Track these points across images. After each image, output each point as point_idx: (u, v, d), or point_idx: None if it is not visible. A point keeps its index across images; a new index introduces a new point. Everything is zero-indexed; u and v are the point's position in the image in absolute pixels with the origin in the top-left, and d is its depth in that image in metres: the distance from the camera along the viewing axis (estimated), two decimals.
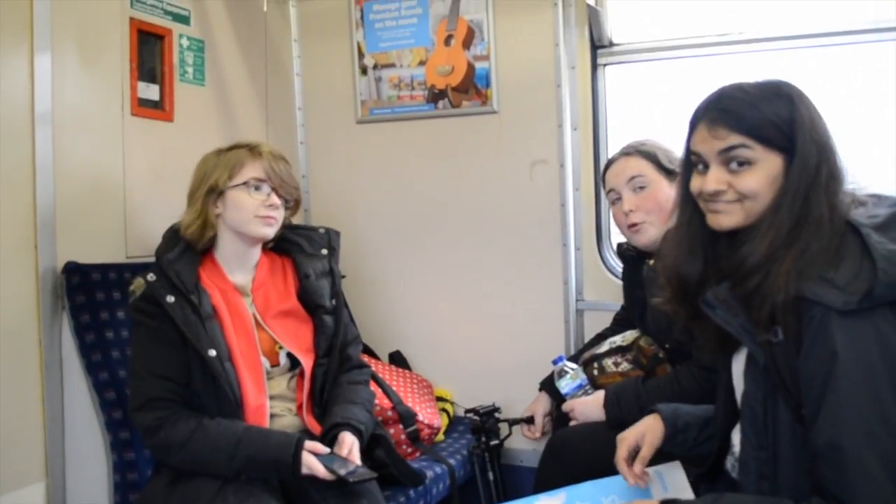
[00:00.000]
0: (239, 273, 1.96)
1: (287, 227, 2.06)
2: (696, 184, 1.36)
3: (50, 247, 2.04)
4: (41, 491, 2.01)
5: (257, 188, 1.90)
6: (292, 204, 2.01)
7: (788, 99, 1.29)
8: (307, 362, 1.95)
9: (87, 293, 2.07)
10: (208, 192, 1.90)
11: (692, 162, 1.37)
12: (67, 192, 2.10)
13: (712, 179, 1.31)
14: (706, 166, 1.33)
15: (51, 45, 2.05)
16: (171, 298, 1.78)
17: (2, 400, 1.93)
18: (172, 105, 2.47)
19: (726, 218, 1.32)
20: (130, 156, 2.32)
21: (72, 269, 2.06)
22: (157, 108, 2.43)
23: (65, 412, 2.06)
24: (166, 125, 2.45)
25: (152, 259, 1.90)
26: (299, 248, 2.06)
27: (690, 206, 1.41)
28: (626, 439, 1.59)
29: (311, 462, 1.73)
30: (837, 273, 1.18)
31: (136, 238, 2.31)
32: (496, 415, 2.52)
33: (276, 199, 1.92)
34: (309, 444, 1.76)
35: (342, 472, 1.72)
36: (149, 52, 2.41)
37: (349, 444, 1.83)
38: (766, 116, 1.28)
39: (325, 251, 2.09)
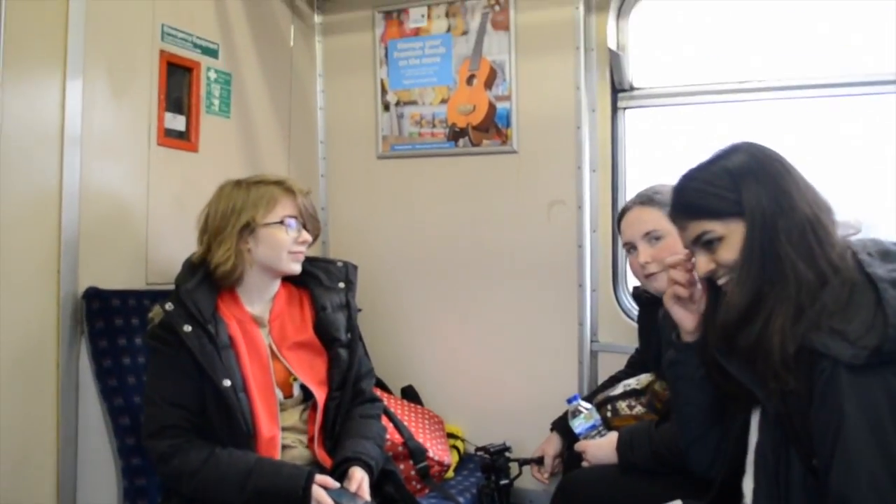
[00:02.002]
0: (257, 304, 1.97)
1: (305, 259, 2.07)
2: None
3: (72, 271, 2.07)
4: None
5: (291, 226, 1.93)
6: (315, 236, 2.03)
7: (734, 165, 1.36)
8: (320, 395, 1.95)
9: (106, 319, 2.09)
10: (242, 228, 1.90)
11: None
12: (92, 218, 2.13)
13: (701, 266, 1.41)
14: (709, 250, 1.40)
15: (82, 73, 2.10)
16: (188, 328, 1.79)
17: (18, 421, 1.94)
18: (198, 136, 2.51)
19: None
20: (155, 184, 2.35)
21: (92, 295, 2.08)
22: (183, 139, 2.47)
23: (78, 436, 2.06)
24: (191, 155, 2.49)
25: (172, 286, 1.91)
26: (317, 281, 2.06)
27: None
28: None
29: (321, 496, 1.73)
30: (850, 326, 1.19)
31: (156, 265, 2.33)
32: (507, 454, 2.50)
33: (307, 236, 1.95)
34: (319, 478, 1.76)
35: None
36: (176, 84, 2.45)
37: (359, 480, 1.83)
38: (709, 194, 1.37)
39: (342, 284, 2.09)
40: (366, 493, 1.80)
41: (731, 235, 1.34)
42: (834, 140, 2.45)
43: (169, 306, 1.82)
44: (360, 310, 2.15)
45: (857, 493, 1.15)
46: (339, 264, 2.13)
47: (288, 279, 2.07)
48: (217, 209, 1.94)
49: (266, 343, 1.94)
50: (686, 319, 1.54)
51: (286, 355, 1.95)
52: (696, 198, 1.39)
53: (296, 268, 1.95)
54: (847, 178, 2.38)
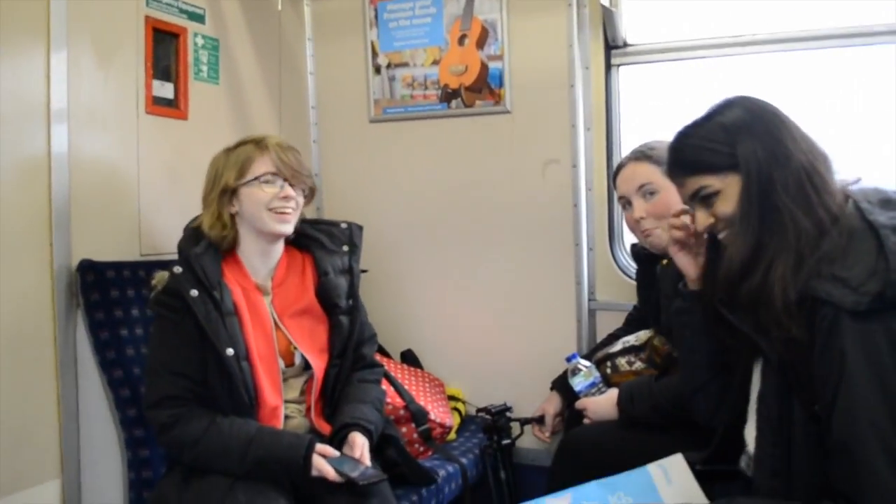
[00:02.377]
0: (260, 271, 1.95)
1: (308, 222, 2.05)
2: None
3: (65, 244, 2.05)
4: (56, 488, 2.02)
5: (269, 182, 1.88)
6: (307, 193, 1.98)
7: (729, 120, 1.37)
8: (319, 364, 1.95)
9: (101, 291, 2.08)
10: (221, 192, 1.89)
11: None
12: (82, 190, 2.11)
13: (700, 221, 1.42)
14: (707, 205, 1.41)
15: (67, 44, 2.06)
16: (195, 292, 1.78)
17: (17, 397, 1.94)
18: (187, 103, 2.48)
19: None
20: (145, 154, 2.33)
21: (86, 267, 2.07)
22: (172, 107, 2.44)
23: (80, 410, 2.07)
24: (180, 123, 2.46)
25: (167, 257, 1.91)
26: (319, 244, 2.04)
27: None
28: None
29: (321, 465, 1.73)
30: (852, 273, 1.20)
31: (150, 236, 2.32)
32: (507, 414, 2.52)
33: (289, 191, 1.89)
34: (319, 447, 1.76)
35: (353, 474, 1.72)
36: (164, 51, 2.41)
37: (360, 446, 1.83)
38: (705, 149, 1.38)
39: (345, 247, 2.06)
40: (367, 459, 1.81)
41: (728, 189, 1.35)
42: (831, 92, 2.43)
43: (177, 270, 1.81)
44: (365, 271, 2.12)
45: (856, 436, 1.17)
46: (343, 226, 2.10)
47: (291, 243, 2.05)
48: (208, 177, 1.94)
49: (269, 311, 1.92)
50: (690, 267, 1.55)
51: (287, 324, 1.94)
52: (691, 153, 1.40)
53: (281, 228, 1.90)
54: (845, 130, 2.35)
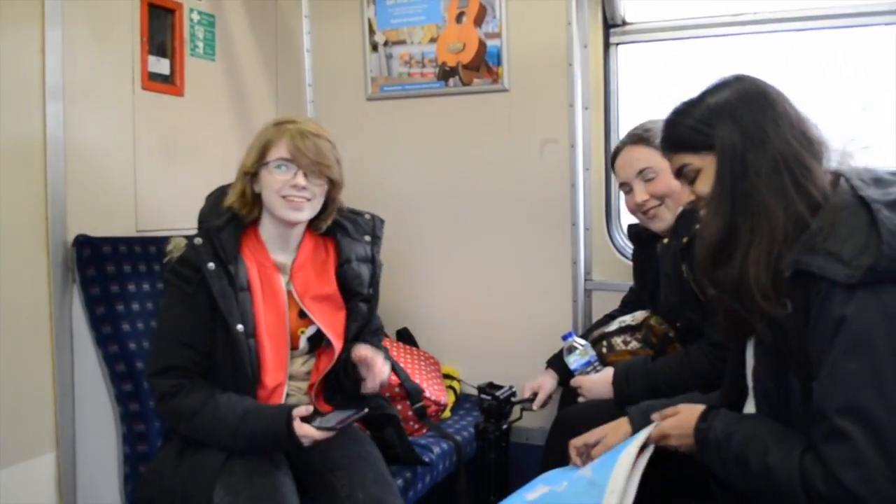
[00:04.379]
0: (280, 252, 1.94)
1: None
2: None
3: (61, 220, 2.06)
4: (52, 461, 2.04)
5: (281, 168, 1.84)
6: (328, 183, 1.91)
7: (715, 101, 1.37)
8: (338, 346, 1.94)
9: (97, 266, 2.08)
10: (244, 172, 1.87)
11: None
12: (78, 166, 2.12)
13: (684, 197, 1.47)
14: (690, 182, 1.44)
15: (62, 20, 2.06)
16: (211, 265, 1.78)
17: (13, 372, 1.96)
18: (183, 80, 2.47)
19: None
20: (140, 130, 2.33)
21: (82, 242, 2.07)
22: (168, 83, 2.44)
23: (75, 384, 2.08)
24: (176, 100, 2.46)
25: (163, 233, 1.91)
26: (344, 231, 2.01)
27: None
28: (587, 436, 1.67)
29: (306, 431, 1.70)
30: (844, 247, 1.20)
31: (146, 212, 2.32)
32: (512, 399, 2.51)
33: (301, 180, 1.83)
34: (296, 410, 1.73)
35: (336, 424, 1.71)
36: (159, 27, 2.41)
37: (362, 351, 1.86)
38: (688, 128, 1.39)
39: (367, 238, 2.05)
40: (374, 359, 1.85)
41: (707, 168, 1.37)
42: (830, 72, 2.43)
43: (198, 241, 1.81)
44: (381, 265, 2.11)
45: (834, 403, 1.17)
46: (367, 216, 2.08)
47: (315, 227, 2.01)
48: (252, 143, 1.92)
49: (285, 291, 1.91)
50: None
51: (309, 305, 1.92)
52: (674, 131, 1.42)
53: (293, 215, 1.85)
54: (843, 110, 2.37)
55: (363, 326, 2.01)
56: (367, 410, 1.81)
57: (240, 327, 1.78)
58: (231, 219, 1.86)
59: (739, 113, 1.34)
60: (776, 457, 1.25)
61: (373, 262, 2.05)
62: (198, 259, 1.78)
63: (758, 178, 1.29)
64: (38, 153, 2.02)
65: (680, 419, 1.48)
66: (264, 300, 1.86)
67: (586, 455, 1.64)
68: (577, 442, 1.67)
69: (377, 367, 1.85)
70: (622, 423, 1.65)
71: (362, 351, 1.86)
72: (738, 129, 1.33)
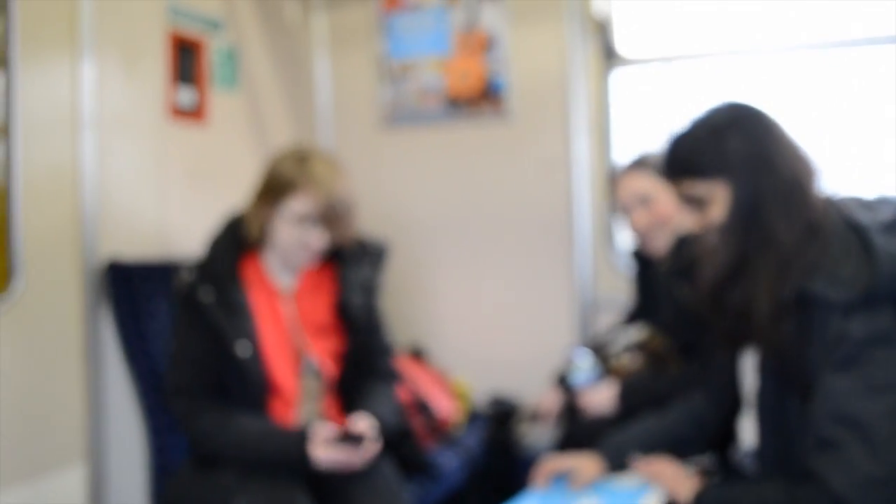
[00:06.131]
0: (283, 275, 1.95)
1: None
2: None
3: (94, 246, 2.15)
4: (81, 472, 2.12)
5: (303, 224, 1.82)
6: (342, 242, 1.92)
7: (718, 127, 1.37)
8: (333, 372, 1.96)
9: (127, 289, 2.16)
10: (263, 202, 1.87)
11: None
12: (110, 194, 2.20)
13: (690, 223, 1.44)
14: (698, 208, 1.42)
15: (95, 54, 2.16)
16: (208, 288, 1.81)
17: (48, 386, 2.04)
18: (207, 110, 2.56)
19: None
20: (169, 159, 2.42)
21: (113, 268, 2.16)
22: (193, 114, 2.52)
23: (106, 399, 2.16)
24: (202, 129, 2.55)
25: (190, 256, 1.98)
26: (346, 257, 1.98)
27: None
28: (556, 464, 1.66)
29: (326, 458, 1.71)
30: (841, 271, 1.25)
31: (173, 237, 2.41)
32: (519, 415, 2.57)
33: (316, 242, 1.84)
34: (316, 435, 1.72)
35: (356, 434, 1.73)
36: (185, 60, 2.50)
37: (360, 426, 1.78)
38: (695, 155, 1.38)
39: (371, 263, 2.02)
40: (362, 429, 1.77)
41: (715, 195, 1.36)
42: (822, 99, 2.52)
43: (194, 265, 1.85)
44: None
45: (827, 414, 1.23)
46: (372, 242, 2.05)
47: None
48: (268, 171, 1.90)
49: (285, 314, 1.93)
50: None
51: (306, 331, 1.94)
52: (680, 158, 1.41)
53: (304, 266, 1.89)
54: (836, 137, 2.44)
55: (361, 353, 2.00)
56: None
57: (244, 349, 1.80)
58: (236, 243, 1.89)
59: (745, 138, 1.34)
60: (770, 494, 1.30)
61: (373, 287, 2.02)
62: (196, 282, 1.82)
63: (769, 205, 1.31)
64: (72, 181, 2.11)
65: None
66: (267, 323, 1.88)
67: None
68: (547, 467, 1.65)
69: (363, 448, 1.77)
70: (594, 459, 1.63)
71: (360, 426, 1.79)
72: (748, 156, 1.33)
